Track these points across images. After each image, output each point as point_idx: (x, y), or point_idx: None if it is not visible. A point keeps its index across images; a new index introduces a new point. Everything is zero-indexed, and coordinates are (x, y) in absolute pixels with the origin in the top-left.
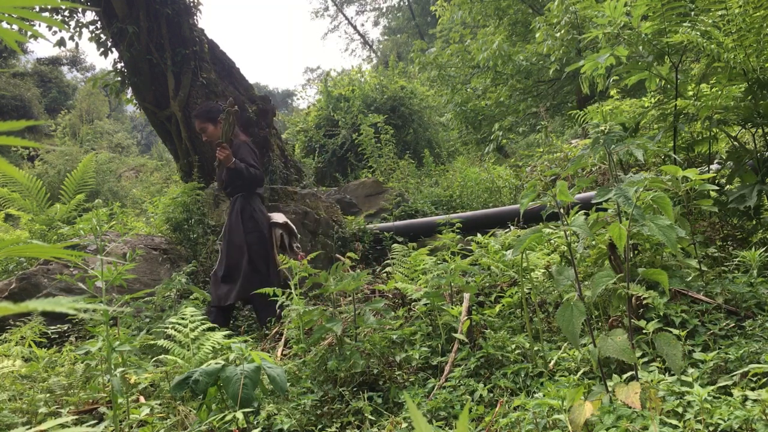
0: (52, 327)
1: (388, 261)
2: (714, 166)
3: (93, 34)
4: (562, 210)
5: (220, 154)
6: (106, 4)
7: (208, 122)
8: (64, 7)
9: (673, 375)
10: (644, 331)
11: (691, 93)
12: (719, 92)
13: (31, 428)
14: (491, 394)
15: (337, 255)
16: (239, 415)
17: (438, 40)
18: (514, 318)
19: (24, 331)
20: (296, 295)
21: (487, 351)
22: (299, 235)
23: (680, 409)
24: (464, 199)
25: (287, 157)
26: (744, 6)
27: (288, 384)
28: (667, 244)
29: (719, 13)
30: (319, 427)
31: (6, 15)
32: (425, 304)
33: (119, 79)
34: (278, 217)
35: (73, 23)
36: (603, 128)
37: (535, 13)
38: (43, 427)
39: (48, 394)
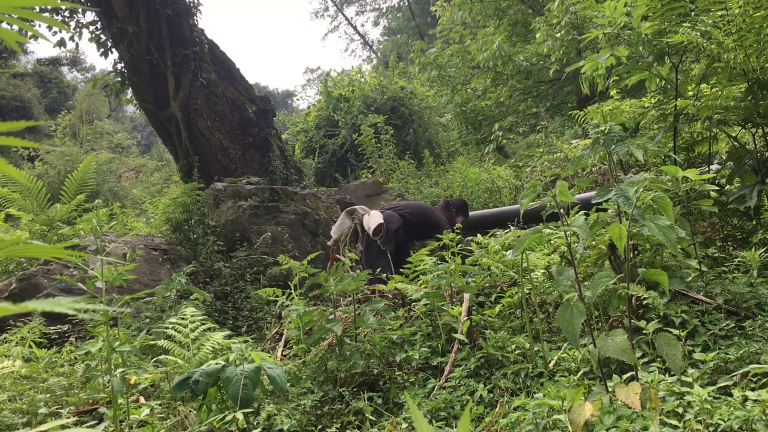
0: (52, 327)
1: None
2: (714, 166)
3: (93, 35)
4: (562, 210)
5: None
6: (106, 4)
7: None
8: (64, 7)
9: (673, 375)
10: (644, 332)
11: (691, 93)
12: (719, 92)
13: (31, 429)
14: (491, 395)
15: (338, 255)
16: (239, 415)
17: (438, 41)
18: (514, 318)
19: (24, 331)
20: (296, 295)
21: (487, 351)
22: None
23: (680, 410)
24: (464, 199)
25: (287, 158)
26: (744, 6)
27: (288, 384)
28: (667, 244)
29: (719, 13)
30: (320, 427)
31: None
32: (425, 305)
33: (119, 79)
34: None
35: (73, 23)
36: (603, 128)
37: (535, 13)
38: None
39: (48, 395)
